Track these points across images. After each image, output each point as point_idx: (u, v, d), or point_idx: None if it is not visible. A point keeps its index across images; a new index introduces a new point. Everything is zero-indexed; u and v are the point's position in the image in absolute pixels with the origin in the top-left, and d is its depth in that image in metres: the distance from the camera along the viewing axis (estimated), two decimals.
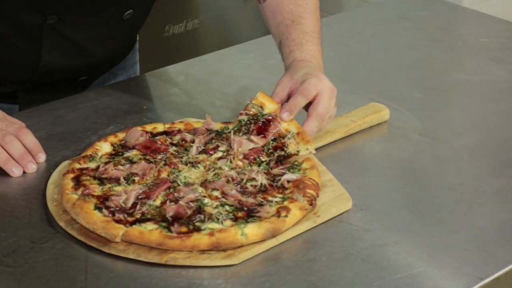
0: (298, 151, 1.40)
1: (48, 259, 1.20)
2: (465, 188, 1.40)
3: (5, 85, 1.68)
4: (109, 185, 1.32)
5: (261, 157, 1.39)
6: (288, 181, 1.32)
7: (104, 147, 1.42)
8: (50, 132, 1.53)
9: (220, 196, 1.29)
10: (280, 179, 1.33)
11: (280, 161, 1.39)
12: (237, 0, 3.42)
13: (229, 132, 1.43)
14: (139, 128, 1.46)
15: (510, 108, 1.68)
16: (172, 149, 1.41)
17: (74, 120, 1.58)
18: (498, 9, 3.04)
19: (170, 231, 1.21)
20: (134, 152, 1.41)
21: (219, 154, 1.40)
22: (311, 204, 1.28)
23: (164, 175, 1.35)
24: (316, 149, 1.45)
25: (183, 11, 3.26)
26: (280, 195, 1.30)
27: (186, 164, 1.38)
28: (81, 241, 1.23)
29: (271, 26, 1.62)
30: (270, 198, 1.29)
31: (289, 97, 1.46)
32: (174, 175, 1.35)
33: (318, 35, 1.57)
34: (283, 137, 1.41)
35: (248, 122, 1.43)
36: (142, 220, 1.24)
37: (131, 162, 1.38)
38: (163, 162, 1.38)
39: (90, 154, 1.39)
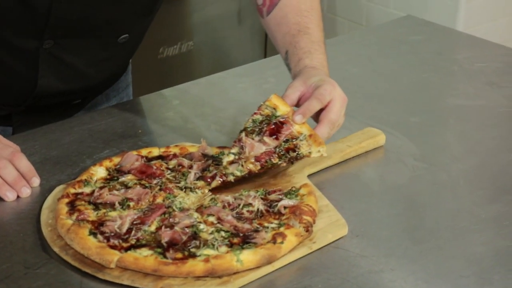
0: (310, 153, 1.39)
1: (42, 285, 1.19)
2: (462, 214, 1.40)
3: (0, 108, 1.67)
4: (104, 210, 1.31)
5: (272, 159, 1.39)
6: (285, 207, 1.32)
7: (99, 172, 1.42)
8: (45, 155, 1.53)
9: (215, 222, 1.29)
10: (277, 204, 1.33)
11: (292, 162, 1.39)
12: (231, 22, 3.43)
13: (242, 131, 1.42)
14: (135, 153, 1.46)
15: (506, 133, 1.68)
16: (168, 174, 1.41)
17: (69, 143, 1.58)
18: (492, 33, 3.06)
19: (165, 257, 1.20)
20: (130, 176, 1.40)
21: (231, 157, 1.40)
22: (307, 231, 1.27)
23: (159, 200, 1.34)
24: (311, 175, 1.45)
25: (177, 33, 3.26)
26: (276, 221, 1.29)
27: (184, 190, 1.37)
28: (76, 267, 1.22)
29: (276, 38, 1.61)
30: (266, 224, 1.29)
31: (299, 101, 1.46)
32: (170, 200, 1.34)
33: (324, 45, 1.57)
34: (296, 139, 1.41)
35: (261, 122, 1.43)
36: (137, 246, 1.23)
37: (126, 187, 1.37)
38: (159, 187, 1.37)
39: (85, 179, 1.39)
